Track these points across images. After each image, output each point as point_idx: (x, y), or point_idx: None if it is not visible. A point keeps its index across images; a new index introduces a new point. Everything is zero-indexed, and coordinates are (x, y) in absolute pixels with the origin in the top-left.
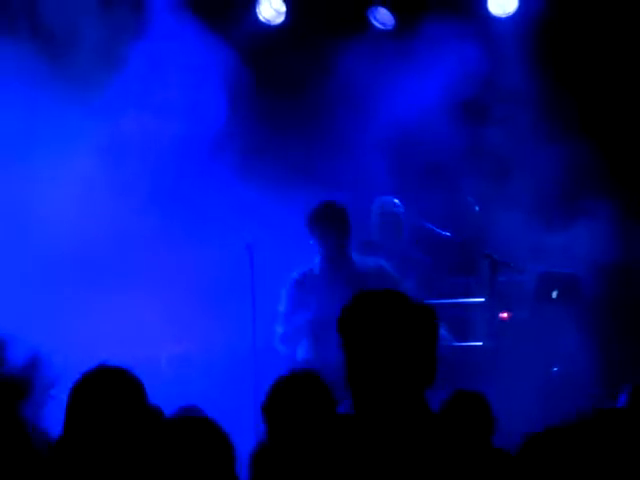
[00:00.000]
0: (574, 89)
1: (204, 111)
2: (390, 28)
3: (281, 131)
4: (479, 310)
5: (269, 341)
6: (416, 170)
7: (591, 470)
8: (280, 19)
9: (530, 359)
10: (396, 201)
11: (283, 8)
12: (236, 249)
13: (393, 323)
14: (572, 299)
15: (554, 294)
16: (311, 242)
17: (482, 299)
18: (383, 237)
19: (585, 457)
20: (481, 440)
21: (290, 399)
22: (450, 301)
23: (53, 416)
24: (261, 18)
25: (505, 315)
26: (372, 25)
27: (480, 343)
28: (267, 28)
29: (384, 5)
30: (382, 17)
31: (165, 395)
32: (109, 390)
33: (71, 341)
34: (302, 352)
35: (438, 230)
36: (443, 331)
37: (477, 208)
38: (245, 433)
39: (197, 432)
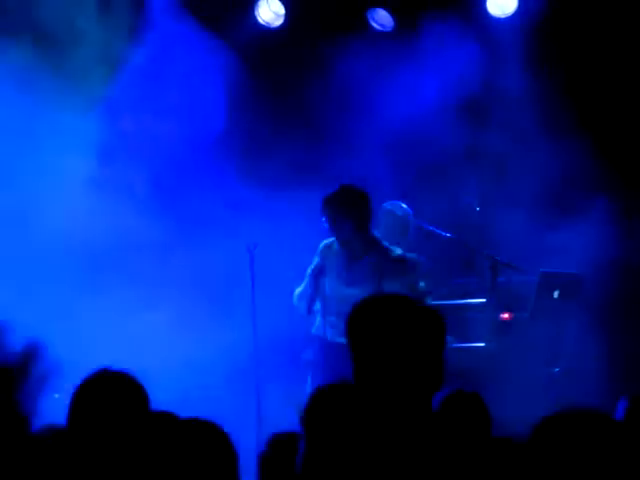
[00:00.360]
0: (573, 89)
1: (204, 113)
2: (389, 30)
3: (281, 132)
4: (480, 311)
5: (270, 342)
6: (416, 171)
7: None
8: (279, 22)
9: (532, 360)
10: (404, 206)
11: (282, 11)
12: (237, 250)
13: (401, 327)
14: (574, 299)
15: (555, 294)
16: (325, 225)
17: (483, 300)
18: (389, 239)
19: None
20: (479, 441)
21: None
22: (451, 302)
23: (54, 418)
24: (260, 21)
25: (506, 316)
26: (371, 27)
27: (482, 344)
28: (266, 31)
29: (383, 7)
30: (381, 19)
31: (167, 397)
32: (111, 394)
33: (72, 343)
34: (314, 328)
35: (439, 231)
36: None
37: (478, 209)
38: (247, 434)
39: (199, 435)
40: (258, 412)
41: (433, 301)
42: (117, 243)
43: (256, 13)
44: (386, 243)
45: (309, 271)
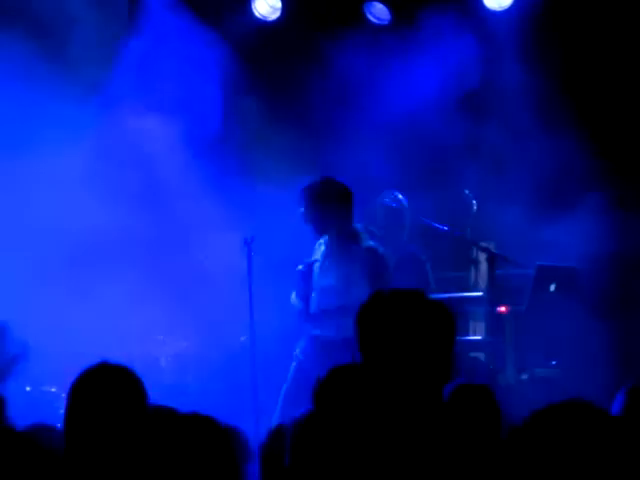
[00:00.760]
0: (569, 82)
1: (200, 106)
2: (386, 23)
3: (277, 126)
4: (477, 304)
5: (267, 335)
6: (413, 164)
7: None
8: (276, 15)
9: (529, 353)
10: (400, 196)
11: (278, 4)
12: (234, 244)
13: (411, 321)
14: (570, 292)
15: (552, 287)
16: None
17: (480, 293)
18: (385, 231)
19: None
20: (489, 434)
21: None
22: (448, 295)
23: (50, 411)
24: (257, 14)
25: (503, 309)
26: (368, 20)
27: (479, 337)
28: (263, 24)
29: (380, 0)
30: (378, 12)
31: (163, 392)
32: (109, 387)
33: (70, 337)
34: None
35: (436, 224)
36: None
37: (475, 202)
38: (244, 429)
39: (199, 430)
40: (255, 406)
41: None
42: (113, 240)
43: (253, 6)
44: (366, 236)
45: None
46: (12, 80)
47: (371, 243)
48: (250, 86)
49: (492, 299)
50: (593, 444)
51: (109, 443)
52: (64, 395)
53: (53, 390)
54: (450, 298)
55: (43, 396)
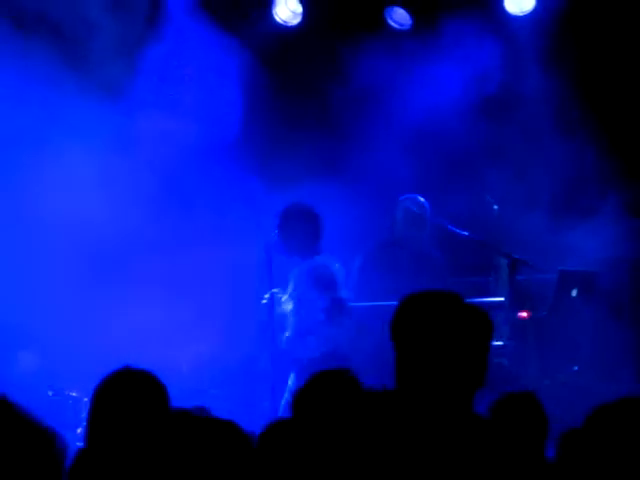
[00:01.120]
0: (591, 87)
1: (220, 112)
2: (407, 28)
3: (299, 130)
4: (499, 310)
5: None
6: (435, 169)
7: None
8: (297, 20)
9: (551, 358)
10: (421, 200)
11: (299, 9)
12: (254, 249)
13: (448, 323)
14: (592, 297)
15: (574, 292)
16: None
17: (502, 298)
18: (406, 234)
19: None
20: (534, 444)
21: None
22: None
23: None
24: (277, 19)
25: (525, 314)
26: (389, 25)
27: (500, 343)
28: (283, 29)
29: (401, 5)
30: (399, 17)
31: (184, 397)
32: (132, 392)
33: (91, 341)
34: None
35: (457, 229)
36: None
37: (496, 207)
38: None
39: (221, 435)
40: (273, 409)
41: None
42: (134, 243)
43: (273, 12)
44: (322, 254)
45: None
46: (35, 84)
47: (324, 259)
48: (271, 91)
49: (513, 304)
50: None
51: (132, 447)
52: (86, 399)
53: (74, 395)
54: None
55: (65, 400)
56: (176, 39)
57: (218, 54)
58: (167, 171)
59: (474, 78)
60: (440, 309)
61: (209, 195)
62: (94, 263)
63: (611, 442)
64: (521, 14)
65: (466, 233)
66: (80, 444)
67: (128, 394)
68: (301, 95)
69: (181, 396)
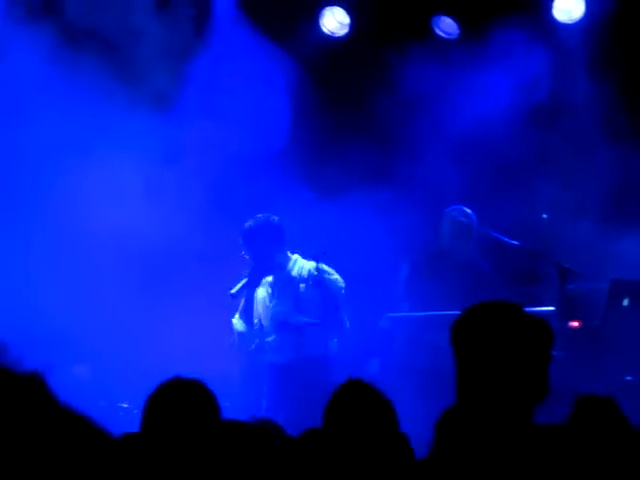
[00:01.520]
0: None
1: (268, 121)
2: (455, 37)
3: (347, 140)
4: (549, 320)
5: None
6: (483, 178)
7: None
8: (344, 31)
9: (603, 368)
10: (468, 211)
11: (347, 20)
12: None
13: (511, 335)
14: None
15: (625, 302)
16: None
17: (552, 308)
18: (453, 245)
19: None
20: (614, 452)
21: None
22: None
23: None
24: (325, 30)
25: (576, 324)
26: (436, 34)
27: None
28: (331, 40)
29: (448, 14)
30: (447, 26)
31: (235, 406)
32: (184, 403)
33: (142, 354)
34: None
35: (506, 239)
36: None
37: (545, 216)
38: None
39: (269, 444)
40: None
41: None
42: (180, 251)
43: (321, 23)
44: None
45: None
46: (85, 96)
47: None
48: (318, 102)
49: (563, 314)
50: None
51: (184, 457)
52: (137, 411)
53: (125, 406)
54: None
55: (116, 411)
56: (223, 49)
57: (265, 64)
58: (215, 181)
59: (523, 86)
60: (503, 319)
61: (257, 205)
62: (142, 275)
63: None
64: (570, 22)
65: (516, 242)
66: None
67: (180, 404)
68: (349, 104)
69: (234, 407)
